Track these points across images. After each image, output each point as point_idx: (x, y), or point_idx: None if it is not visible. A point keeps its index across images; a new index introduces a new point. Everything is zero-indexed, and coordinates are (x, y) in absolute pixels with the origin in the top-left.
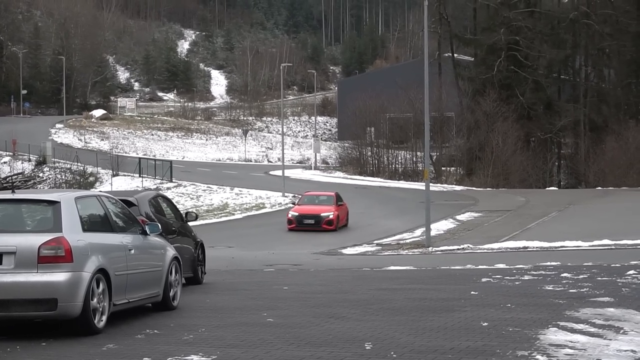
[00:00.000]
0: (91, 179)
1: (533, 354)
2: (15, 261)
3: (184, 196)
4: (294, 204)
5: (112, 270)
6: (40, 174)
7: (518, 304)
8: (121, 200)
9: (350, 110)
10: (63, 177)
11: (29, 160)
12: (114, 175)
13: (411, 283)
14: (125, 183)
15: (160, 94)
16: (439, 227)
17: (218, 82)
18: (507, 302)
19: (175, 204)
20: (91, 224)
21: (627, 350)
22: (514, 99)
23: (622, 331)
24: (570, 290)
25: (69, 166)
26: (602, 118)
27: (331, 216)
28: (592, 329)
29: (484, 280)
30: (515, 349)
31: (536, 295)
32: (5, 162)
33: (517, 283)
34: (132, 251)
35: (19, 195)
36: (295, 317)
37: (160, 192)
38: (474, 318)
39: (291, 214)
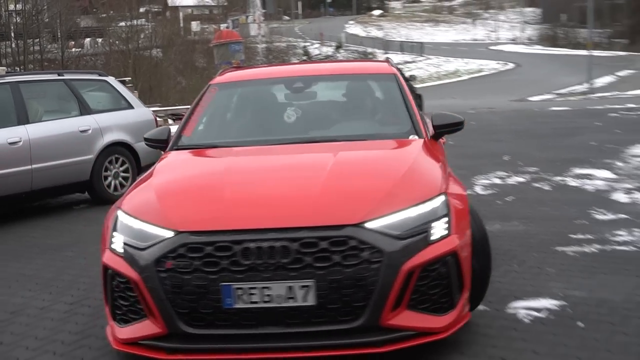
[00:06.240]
0: (370, 55)
1: (615, 163)
2: None
3: (430, 65)
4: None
5: None
6: (337, 55)
7: (630, 130)
8: None
9: None
10: (352, 57)
11: (331, 46)
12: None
13: (558, 118)
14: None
15: None
16: (603, 80)
17: None
18: (620, 129)
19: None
20: None
21: None
22: None
23: None
24: None
25: (355, 49)
26: None
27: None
28: None
29: (610, 115)
30: (604, 159)
31: None
32: (316, 47)
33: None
34: None
35: None
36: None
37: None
38: (587, 140)
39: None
